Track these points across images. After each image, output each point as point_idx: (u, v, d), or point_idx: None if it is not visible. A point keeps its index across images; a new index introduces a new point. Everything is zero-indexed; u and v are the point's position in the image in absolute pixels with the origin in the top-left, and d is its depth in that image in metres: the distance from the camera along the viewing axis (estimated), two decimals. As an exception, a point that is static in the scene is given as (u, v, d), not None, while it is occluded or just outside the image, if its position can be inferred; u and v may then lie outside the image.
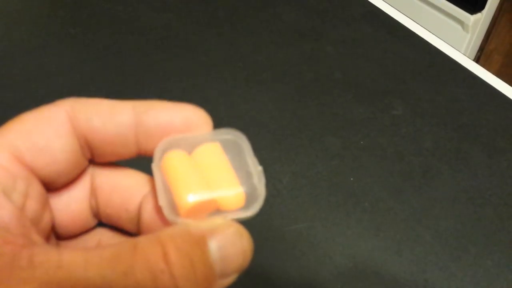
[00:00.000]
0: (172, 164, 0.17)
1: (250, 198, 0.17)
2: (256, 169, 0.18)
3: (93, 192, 0.20)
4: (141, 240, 0.14)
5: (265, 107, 0.52)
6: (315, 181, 0.46)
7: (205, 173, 0.17)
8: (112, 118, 0.17)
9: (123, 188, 0.19)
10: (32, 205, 0.17)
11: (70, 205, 0.19)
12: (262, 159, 0.48)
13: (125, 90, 0.54)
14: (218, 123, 0.53)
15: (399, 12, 0.65)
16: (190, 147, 0.18)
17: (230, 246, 0.15)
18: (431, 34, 0.62)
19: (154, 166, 0.17)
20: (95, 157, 0.19)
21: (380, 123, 0.51)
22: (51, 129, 0.17)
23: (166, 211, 0.16)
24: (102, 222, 0.21)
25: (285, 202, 0.44)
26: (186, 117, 0.18)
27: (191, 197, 0.16)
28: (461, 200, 0.44)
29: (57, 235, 0.20)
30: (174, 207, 0.17)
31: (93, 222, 0.20)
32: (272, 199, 0.44)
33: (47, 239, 0.18)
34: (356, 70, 0.57)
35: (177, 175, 0.17)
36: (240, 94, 0.54)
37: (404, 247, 0.41)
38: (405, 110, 0.52)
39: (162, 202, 0.16)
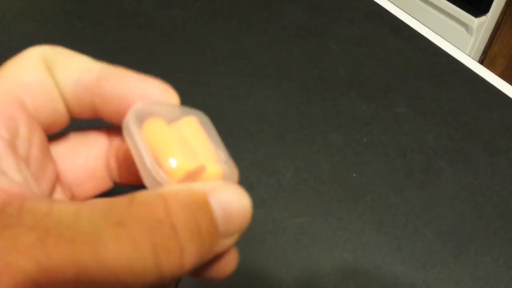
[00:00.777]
0: (156, 132, 0.16)
1: (227, 174, 0.17)
2: (223, 150, 0.18)
3: (112, 152, 0.19)
4: (140, 193, 0.14)
5: (269, 103, 0.53)
6: (318, 176, 0.46)
7: (188, 145, 0.16)
8: (73, 73, 0.17)
9: None
10: (36, 154, 0.16)
11: (86, 163, 0.19)
12: (265, 154, 0.49)
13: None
14: (222, 118, 0.54)
15: (403, 12, 0.66)
16: (165, 117, 0.17)
17: (232, 204, 0.15)
18: (434, 34, 0.62)
19: (130, 131, 0.16)
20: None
21: (383, 120, 0.51)
22: (36, 70, 0.16)
23: (157, 175, 0.15)
24: (119, 183, 0.20)
25: (288, 196, 0.44)
26: (146, 90, 0.18)
27: (184, 163, 0.15)
28: (462, 198, 0.45)
29: (72, 195, 0.19)
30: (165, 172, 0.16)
31: (109, 183, 0.20)
32: (275, 193, 0.45)
33: (51, 191, 0.17)
34: (360, 67, 0.57)
35: (164, 142, 0.16)
36: (245, 89, 0.54)
37: (404, 243, 0.41)
38: (408, 108, 0.52)
39: (151, 164, 0.15)
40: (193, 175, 0.16)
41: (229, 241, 0.15)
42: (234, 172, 0.17)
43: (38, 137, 0.16)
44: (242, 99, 0.53)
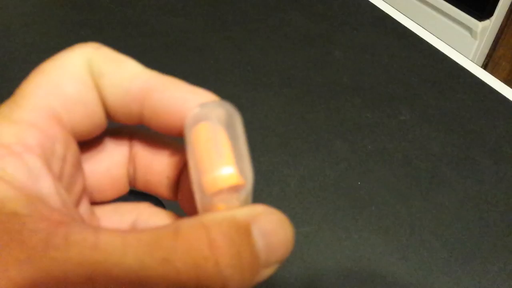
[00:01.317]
0: (201, 136, 0.15)
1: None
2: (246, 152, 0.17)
3: (132, 158, 0.19)
4: (183, 224, 0.13)
5: (273, 111, 0.53)
6: (323, 184, 0.46)
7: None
8: (122, 82, 0.16)
9: (165, 155, 0.18)
10: (68, 170, 0.15)
11: (109, 169, 0.18)
12: (269, 162, 0.49)
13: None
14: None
15: (407, 18, 0.66)
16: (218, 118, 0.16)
17: (274, 234, 0.14)
18: (439, 40, 0.62)
19: (186, 135, 0.16)
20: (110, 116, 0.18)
21: (388, 128, 0.51)
22: (77, 81, 0.15)
23: (199, 192, 0.15)
24: (135, 189, 0.20)
25: (293, 205, 0.44)
26: (199, 102, 0.17)
27: (222, 178, 0.15)
28: (468, 206, 0.45)
29: (92, 199, 0.19)
30: (201, 184, 0.15)
31: (127, 187, 0.20)
32: (279, 202, 0.45)
33: (78, 203, 0.17)
34: (364, 75, 0.57)
35: (207, 149, 0.15)
36: (248, 97, 0.54)
37: (410, 252, 0.41)
38: (412, 115, 0.52)
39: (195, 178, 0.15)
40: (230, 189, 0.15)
41: (269, 271, 0.15)
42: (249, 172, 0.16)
43: (72, 153, 0.16)
44: (246, 107, 0.53)
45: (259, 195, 0.45)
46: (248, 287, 0.14)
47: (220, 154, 0.15)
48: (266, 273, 0.15)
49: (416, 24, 0.64)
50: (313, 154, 0.49)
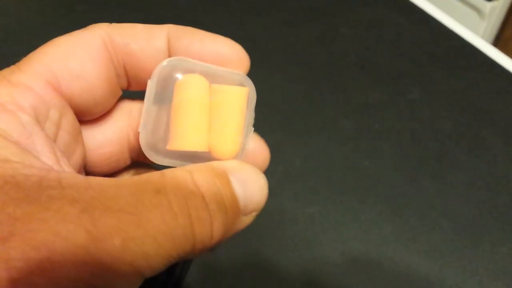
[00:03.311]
0: (192, 95, 0.16)
1: (239, 154, 0.17)
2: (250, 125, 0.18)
3: (132, 128, 0.19)
4: (168, 169, 0.14)
5: (276, 89, 0.51)
6: (328, 164, 0.44)
7: (218, 115, 0.16)
8: (148, 42, 0.17)
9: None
10: (64, 137, 0.16)
11: (108, 141, 0.19)
12: (273, 141, 0.47)
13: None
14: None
15: (416, -6, 0.63)
16: (210, 76, 0.16)
17: (250, 182, 0.16)
18: (448, 17, 0.60)
19: (154, 82, 0.16)
20: (131, 85, 0.18)
21: (396, 106, 0.49)
22: (87, 54, 0.16)
23: (143, 142, 0.16)
24: (136, 160, 0.20)
25: (298, 185, 0.43)
26: (220, 50, 0.18)
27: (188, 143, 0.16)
28: (478, 186, 0.43)
29: (91, 173, 0.19)
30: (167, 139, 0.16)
31: (128, 160, 0.20)
32: (283, 182, 0.43)
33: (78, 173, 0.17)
34: (371, 52, 0.55)
35: (191, 111, 0.15)
36: (250, 75, 0.52)
37: (419, 233, 0.40)
38: (422, 94, 0.51)
39: (143, 128, 0.16)
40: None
41: (247, 219, 0.16)
42: (244, 146, 0.18)
43: (69, 121, 0.16)
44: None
45: (264, 174, 0.44)
46: (230, 232, 0.15)
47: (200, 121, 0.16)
48: (245, 221, 0.16)
49: (425, 1, 0.62)
50: (318, 133, 0.47)
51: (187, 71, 0.16)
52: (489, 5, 1.08)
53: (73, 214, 0.12)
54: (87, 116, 0.18)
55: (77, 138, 0.17)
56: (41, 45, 0.17)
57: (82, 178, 0.13)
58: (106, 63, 0.17)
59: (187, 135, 0.16)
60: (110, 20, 0.18)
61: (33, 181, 0.12)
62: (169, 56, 0.17)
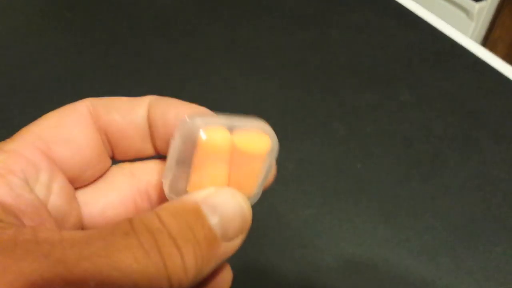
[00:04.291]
0: (213, 148, 0.16)
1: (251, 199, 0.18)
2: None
3: (138, 189, 0.19)
4: (136, 215, 0.15)
5: (267, 94, 0.51)
6: (321, 168, 0.45)
7: (238, 163, 0.16)
8: (130, 111, 0.18)
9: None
10: (56, 200, 0.17)
11: (111, 204, 0.19)
12: (267, 146, 0.47)
13: (123, 77, 0.52)
14: (219, 110, 0.52)
15: (405, -3, 0.64)
16: (232, 127, 0.17)
17: (225, 206, 0.15)
18: (438, 19, 0.60)
19: (180, 136, 0.16)
20: (116, 154, 0.19)
21: (387, 109, 0.50)
22: (74, 122, 0.17)
23: (167, 189, 0.16)
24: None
25: (291, 189, 0.43)
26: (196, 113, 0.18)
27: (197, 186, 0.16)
28: (470, 187, 0.43)
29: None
30: (182, 189, 0.16)
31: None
32: (277, 186, 0.43)
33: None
34: (362, 56, 0.56)
35: (212, 163, 0.16)
36: (242, 81, 0.53)
37: (413, 234, 0.40)
38: (412, 96, 0.51)
39: (166, 178, 0.16)
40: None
41: (234, 244, 0.16)
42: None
43: (60, 185, 0.17)
44: (240, 90, 0.52)
45: (256, 179, 0.44)
46: (213, 260, 0.15)
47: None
48: (231, 246, 0.15)
49: (414, 3, 0.63)
50: (311, 137, 0.47)
51: (208, 124, 0.16)
52: (477, 5, 1.09)
53: (48, 264, 0.12)
54: (80, 181, 0.18)
55: (70, 202, 0.18)
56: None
57: (56, 232, 0.14)
58: (93, 130, 0.18)
59: (207, 184, 0.16)
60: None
61: (9, 235, 0.13)
62: (149, 123, 0.18)
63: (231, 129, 0.16)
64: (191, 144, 0.16)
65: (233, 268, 0.37)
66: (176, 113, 0.18)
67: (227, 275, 0.18)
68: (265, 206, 0.42)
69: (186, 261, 0.14)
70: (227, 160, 0.16)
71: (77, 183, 0.18)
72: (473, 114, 0.49)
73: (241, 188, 0.16)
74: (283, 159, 0.45)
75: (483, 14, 1.11)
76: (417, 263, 0.38)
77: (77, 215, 0.18)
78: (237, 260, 0.37)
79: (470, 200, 0.42)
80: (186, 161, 0.16)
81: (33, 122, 0.17)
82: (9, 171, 0.15)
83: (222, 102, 0.50)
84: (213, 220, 0.15)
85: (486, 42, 1.14)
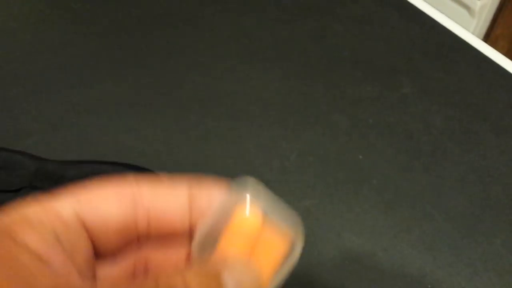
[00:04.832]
0: (246, 224, 0.18)
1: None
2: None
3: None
4: (162, 273, 0.16)
5: (270, 84, 0.51)
6: (323, 158, 0.45)
7: (260, 251, 0.18)
8: (174, 197, 0.19)
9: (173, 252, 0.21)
10: (79, 262, 0.18)
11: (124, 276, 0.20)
12: (268, 137, 0.47)
13: (127, 67, 0.53)
14: (222, 100, 0.52)
15: (407, -9, 0.64)
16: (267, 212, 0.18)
17: (242, 276, 0.17)
18: (439, 13, 0.60)
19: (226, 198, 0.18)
20: (150, 233, 0.19)
21: (389, 101, 0.50)
22: (114, 199, 0.18)
23: (196, 251, 0.18)
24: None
25: (292, 178, 0.43)
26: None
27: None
28: (470, 179, 0.44)
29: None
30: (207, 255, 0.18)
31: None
32: (279, 176, 0.44)
33: None
34: (364, 48, 0.56)
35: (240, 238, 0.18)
36: (244, 70, 0.53)
37: (412, 225, 0.40)
38: (414, 88, 0.51)
39: (197, 240, 0.18)
40: None
41: None
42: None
43: (84, 249, 0.18)
44: (243, 81, 0.52)
45: (259, 168, 0.44)
46: None
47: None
48: None
49: (417, -3, 0.63)
50: (313, 128, 0.48)
51: (248, 202, 0.18)
52: (479, 2, 1.09)
53: None
54: (102, 251, 0.19)
55: (90, 267, 0.18)
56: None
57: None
58: (128, 210, 0.18)
59: (230, 255, 0.18)
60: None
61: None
62: (190, 206, 0.19)
63: (266, 214, 0.18)
64: (226, 215, 0.17)
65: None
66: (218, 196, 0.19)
67: None
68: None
69: None
70: (253, 240, 0.18)
71: (99, 252, 0.19)
72: (474, 107, 0.50)
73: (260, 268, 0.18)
74: (284, 149, 0.46)
75: (485, 12, 1.11)
76: (417, 253, 0.39)
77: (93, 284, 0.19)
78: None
79: (470, 192, 0.43)
80: (218, 230, 0.18)
81: (78, 186, 0.18)
82: (41, 223, 0.17)
83: (224, 91, 0.50)
84: (229, 285, 0.16)
85: (488, 39, 1.15)
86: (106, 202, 0.18)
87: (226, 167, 0.44)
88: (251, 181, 0.18)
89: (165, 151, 0.45)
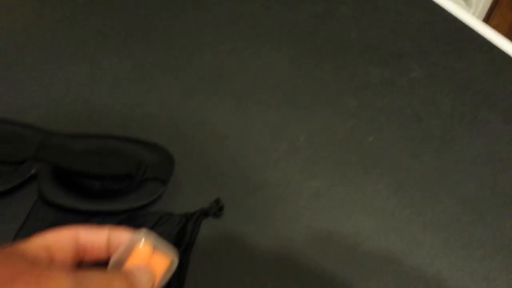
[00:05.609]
0: (143, 249, 0.29)
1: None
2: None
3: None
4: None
5: (277, 67, 0.51)
6: (332, 140, 0.44)
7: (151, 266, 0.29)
8: (98, 237, 0.29)
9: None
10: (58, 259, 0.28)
11: None
12: (276, 118, 0.47)
13: (134, 44, 0.51)
14: (229, 81, 0.51)
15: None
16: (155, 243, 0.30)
17: (141, 275, 0.28)
18: (447, 0, 0.60)
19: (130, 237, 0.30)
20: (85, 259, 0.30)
21: (398, 85, 0.49)
22: (66, 235, 0.29)
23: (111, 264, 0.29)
24: None
25: (303, 159, 0.43)
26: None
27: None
28: (479, 164, 0.44)
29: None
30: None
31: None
32: (288, 156, 0.43)
33: None
34: (372, 32, 0.55)
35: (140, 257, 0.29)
36: (250, 53, 0.52)
37: (423, 207, 0.40)
38: (423, 73, 0.51)
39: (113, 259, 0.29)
40: None
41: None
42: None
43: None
44: (250, 62, 0.51)
45: (267, 148, 0.43)
46: None
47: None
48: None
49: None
50: (322, 110, 0.47)
51: (145, 239, 0.29)
52: (476, -7, 1.09)
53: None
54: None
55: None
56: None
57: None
58: (74, 243, 0.29)
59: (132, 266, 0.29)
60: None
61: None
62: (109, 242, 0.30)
63: (155, 246, 0.30)
64: (130, 247, 0.29)
65: (247, 235, 0.37)
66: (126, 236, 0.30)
67: None
68: (276, 174, 0.42)
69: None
70: (148, 260, 0.29)
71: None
72: (482, 93, 0.50)
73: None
74: (294, 130, 0.45)
75: (481, 2, 1.11)
76: (428, 235, 0.39)
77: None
78: (247, 228, 0.37)
79: (479, 176, 0.43)
80: (125, 256, 0.29)
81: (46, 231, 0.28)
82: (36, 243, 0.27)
83: (231, 72, 0.49)
84: (136, 281, 0.28)
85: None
86: (60, 238, 0.28)
87: (233, 146, 0.43)
88: (145, 230, 0.30)
89: (171, 128, 0.44)
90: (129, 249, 0.29)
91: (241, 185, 0.41)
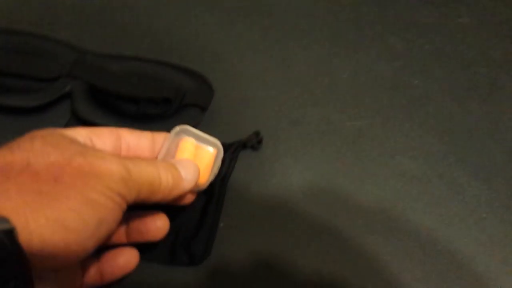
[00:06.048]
0: (187, 145, 0.32)
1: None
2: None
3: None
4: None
5: (321, 2, 0.48)
6: (377, 80, 0.43)
7: (198, 161, 0.31)
8: (141, 137, 0.31)
9: None
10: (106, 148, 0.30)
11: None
12: (319, 52, 0.45)
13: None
14: (269, 12, 0.49)
15: None
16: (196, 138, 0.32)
17: (186, 166, 0.29)
18: None
19: (172, 135, 0.32)
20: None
21: (445, 29, 0.47)
22: (107, 132, 0.30)
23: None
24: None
25: (345, 97, 0.41)
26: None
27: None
28: (526, 115, 0.42)
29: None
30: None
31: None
32: (330, 94, 0.41)
33: None
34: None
35: (185, 153, 0.31)
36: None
37: (468, 155, 0.39)
38: (472, 18, 0.48)
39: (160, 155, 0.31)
40: None
41: (188, 184, 0.29)
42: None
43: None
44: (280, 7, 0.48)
45: (308, 84, 0.42)
46: (180, 186, 0.29)
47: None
48: (186, 184, 0.29)
49: None
50: (366, 49, 0.45)
51: (186, 135, 0.32)
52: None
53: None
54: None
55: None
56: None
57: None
58: (117, 141, 0.30)
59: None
60: None
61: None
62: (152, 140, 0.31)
63: (198, 140, 0.32)
64: (176, 143, 0.31)
65: (281, 169, 0.36)
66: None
67: (163, 223, 0.30)
68: (316, 111, 0.40)
69: (169, 178, 0.28)
70: (193, 154, 0.31)
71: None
72: (533, 44, 0.47)
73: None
74: (336, 67, 0.43)
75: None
76: (473, 182, 0.37)
77: None
78: (285, 162, 0.36)
79: (526, 128, 0.41)
80: (173, 149, 0.31)
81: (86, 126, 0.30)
82: (77, 132, 0.28)
83: (272, 4, 0.47)
84: (182, 172, 0.29)
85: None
86: (103, 134, 0.29)
87: (272, 80, 0.42)
88: (185, 126, 0.32)
89: (208, 55, 0.43)
90: (174, 147, 0.31)
91: (280, 119, 0.40)
